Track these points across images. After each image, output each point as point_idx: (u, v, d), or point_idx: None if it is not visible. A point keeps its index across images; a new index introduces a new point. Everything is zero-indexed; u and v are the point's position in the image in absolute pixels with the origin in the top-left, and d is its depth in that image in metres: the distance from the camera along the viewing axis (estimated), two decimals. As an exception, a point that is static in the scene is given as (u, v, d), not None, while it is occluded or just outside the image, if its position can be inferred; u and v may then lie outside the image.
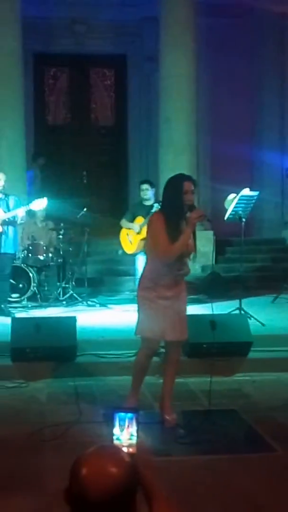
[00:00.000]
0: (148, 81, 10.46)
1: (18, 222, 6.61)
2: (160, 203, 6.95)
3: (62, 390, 4.77)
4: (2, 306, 6.70)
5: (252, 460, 3.59)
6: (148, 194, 7.14)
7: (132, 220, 7.16)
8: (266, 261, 9.29)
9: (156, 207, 6.90)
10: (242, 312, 6.23)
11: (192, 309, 7.04)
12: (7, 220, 6.52)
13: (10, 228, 6.60)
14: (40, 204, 6.77)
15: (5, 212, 6.57)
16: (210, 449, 3.74)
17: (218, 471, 3.41)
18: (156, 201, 7.02)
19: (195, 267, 8.86)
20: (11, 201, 6.64)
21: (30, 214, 7.68)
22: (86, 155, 10.78)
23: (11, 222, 6.57)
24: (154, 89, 9.94)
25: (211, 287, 7.99)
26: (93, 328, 6.02)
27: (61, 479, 1.59)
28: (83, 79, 10.93)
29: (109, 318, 6.61)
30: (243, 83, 10.52)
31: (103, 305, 7.31)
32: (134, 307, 7.37)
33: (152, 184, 7.26)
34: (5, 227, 6.55)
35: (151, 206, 7.01)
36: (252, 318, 6.07)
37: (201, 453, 3.69)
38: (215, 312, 6.52)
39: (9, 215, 6.54)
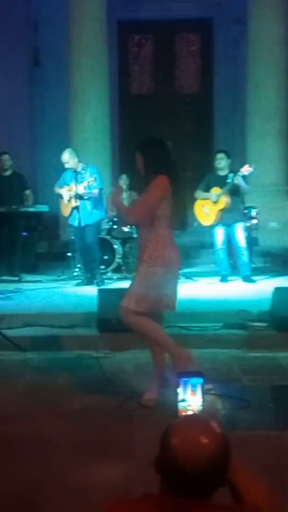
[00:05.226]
0: (236, 45, 10.06)
1: (86, 196, 6.65)
2: (234, 174, 6.82)
3: (148, 361, 4.72)
4: (90, 275, 6.80)
5: None
6: (222, 163, 7.05)
7: (207, 190, 7.05)
8: None
9: (231, 177, 6.78)
10: None
11: (282, 282, 6.81)
12: (79, 194, 6.58)
13: (87, 202, 6.66)
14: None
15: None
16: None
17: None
18: (231, 171, 6.91)
19: (284, 239, 8.59)
20: (87, 174, 6.64)
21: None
22: (170, 124, 10.59)
23: (80, 196, 6.62)
24: (241, 53, 9.57)
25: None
26: (179, 300, 5.92)
27: (152, 448, 1.55)
28: (168, 46, 10.66)
29: (193, 291, 6.50)
30: None
31: (188, 277, 7.20)
32: (216, 280, 7.26)
33: (228, 155, 7.13)
34: (81, 201, 6.62)
35: (226, 176, 6.92)
36: None
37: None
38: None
39: (85, 192, 6.57)
